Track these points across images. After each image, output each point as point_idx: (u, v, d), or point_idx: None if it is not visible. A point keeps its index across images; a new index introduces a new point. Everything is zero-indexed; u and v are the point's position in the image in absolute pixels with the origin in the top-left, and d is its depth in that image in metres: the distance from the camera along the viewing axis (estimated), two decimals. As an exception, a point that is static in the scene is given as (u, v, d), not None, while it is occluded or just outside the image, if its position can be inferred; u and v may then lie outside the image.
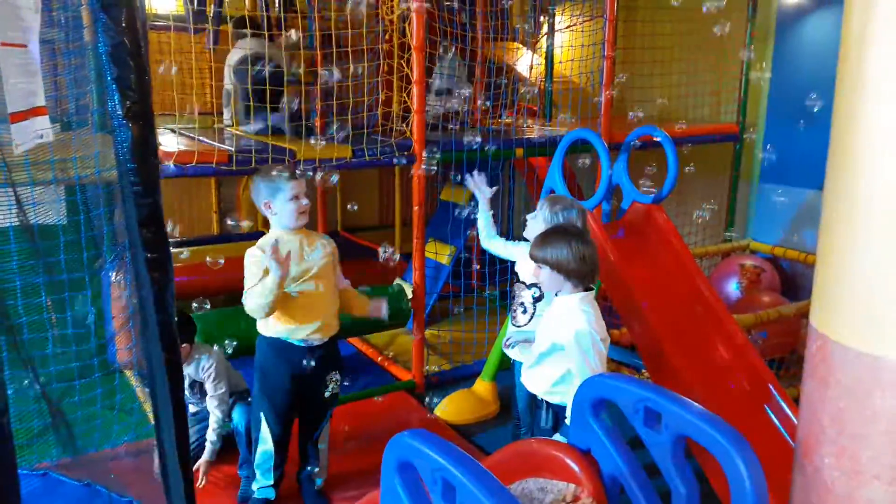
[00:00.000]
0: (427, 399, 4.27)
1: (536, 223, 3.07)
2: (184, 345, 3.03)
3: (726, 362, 3.49)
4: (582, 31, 5.61)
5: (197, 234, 6.62)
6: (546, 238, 2.63)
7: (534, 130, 5.15)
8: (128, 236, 1.94)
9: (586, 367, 2.43)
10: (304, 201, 2.95)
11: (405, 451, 1.50)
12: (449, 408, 4.15)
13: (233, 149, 3.71)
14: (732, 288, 5.34)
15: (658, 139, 3.70)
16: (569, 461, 1.91)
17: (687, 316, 3.62)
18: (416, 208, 4.15)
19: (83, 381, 3.40)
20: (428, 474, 1.45)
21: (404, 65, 4.13)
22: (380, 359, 4.86)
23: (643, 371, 4.09)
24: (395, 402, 4.22)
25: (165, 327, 1.96)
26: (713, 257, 5.70)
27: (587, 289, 2.62)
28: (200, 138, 4.26)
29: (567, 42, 6.08)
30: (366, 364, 4.85)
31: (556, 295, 2.67)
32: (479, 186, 3.43)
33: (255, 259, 2.89)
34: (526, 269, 3.13)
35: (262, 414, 3.02)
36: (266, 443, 3.03)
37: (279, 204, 2.92)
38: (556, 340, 2.57)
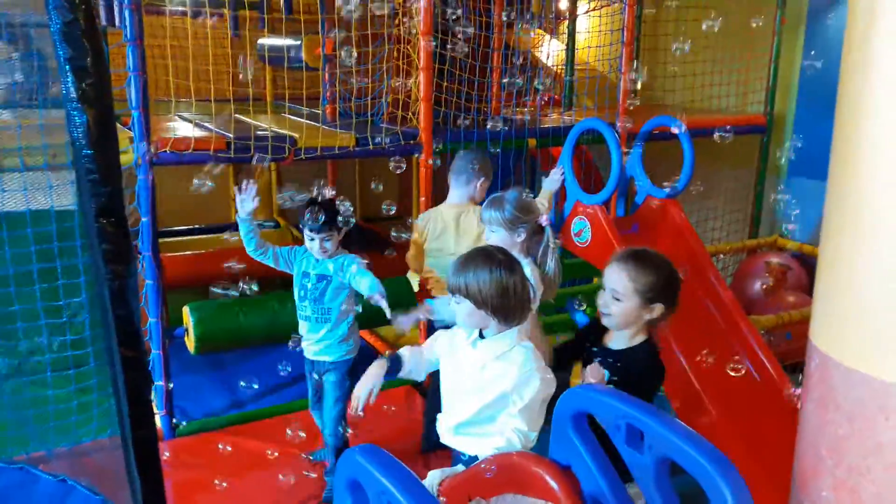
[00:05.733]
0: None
1: (494, 234, 2.71)
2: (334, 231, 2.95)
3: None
4: (601, 16, 5.39)
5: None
6: (465, 262, 2.10)
7: (553, 120, 4.97)
8: (85, 226, 1.86)
9: (523, 423, 2.01)
10: None
11: (354, 470, 1.37)
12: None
13: (231, 135, 3.61)
14: (757, 287, 5.11)
15: (674, 130, 3.51)
16: (548, 478, 1.76)
17: (700, 318, 3.44)
18: (422, 199, 4.01)
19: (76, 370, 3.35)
20: (374, 497, 1.33)
21: (411, 50, 3.98)
22: (387, 353, 4.73)
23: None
24: (397, 398, 4.10)
25: (125, 322, 1.87)
26: (738, 254, 5.48)
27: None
28: (205, 124, 4.16)
29: (592, 27, 5.87)
30: (373, 357, 4.73)
31: (482, 337, 2.16)
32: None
33: None
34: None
35: None
36: None
37: None
38: (504, 390, 2.08)
